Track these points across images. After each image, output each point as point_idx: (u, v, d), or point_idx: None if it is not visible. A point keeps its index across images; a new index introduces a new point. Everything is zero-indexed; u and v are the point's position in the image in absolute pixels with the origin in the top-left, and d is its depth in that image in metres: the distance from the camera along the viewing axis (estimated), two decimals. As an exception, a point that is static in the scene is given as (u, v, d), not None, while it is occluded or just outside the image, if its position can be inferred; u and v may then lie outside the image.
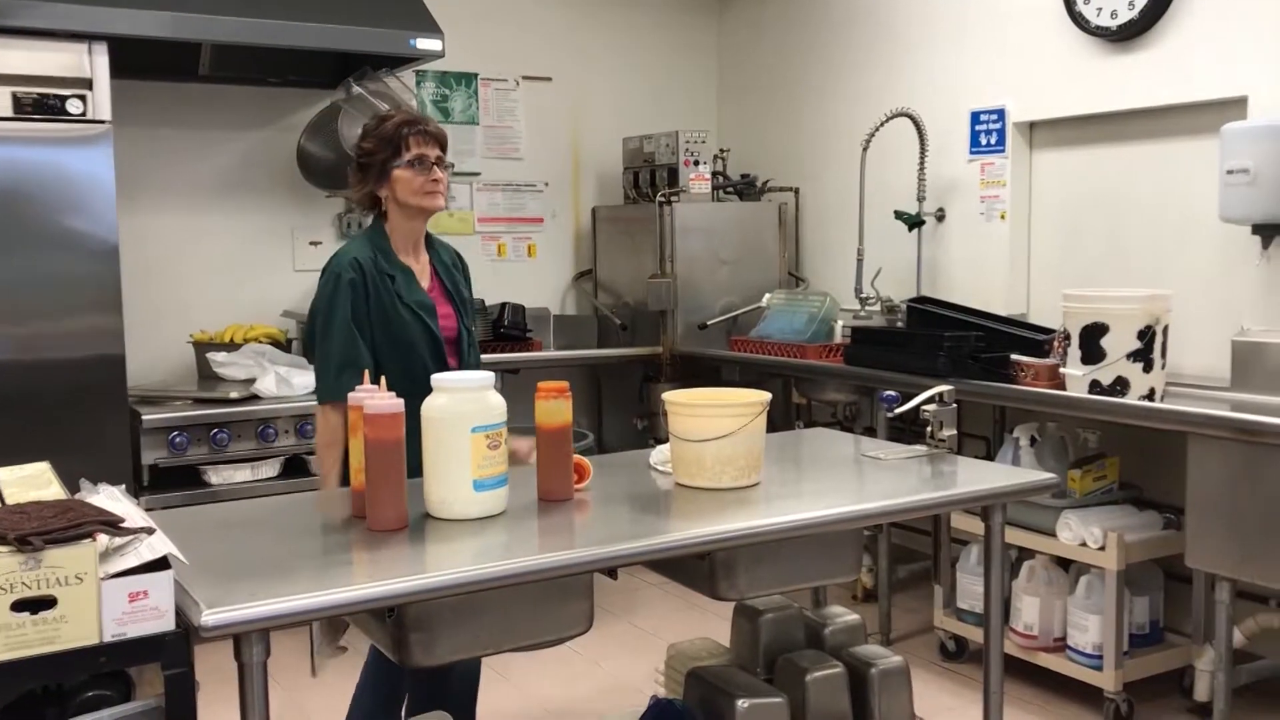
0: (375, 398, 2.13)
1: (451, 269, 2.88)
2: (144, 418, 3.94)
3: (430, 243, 2.85)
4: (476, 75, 5.39)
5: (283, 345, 4.59)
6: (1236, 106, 3.64)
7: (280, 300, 4.89)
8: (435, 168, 2.69)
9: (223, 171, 4.81)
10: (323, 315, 2.66)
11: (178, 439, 3.97)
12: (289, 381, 4.23)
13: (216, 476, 4.07)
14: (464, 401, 2.16)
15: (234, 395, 4.12)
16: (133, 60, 4.04)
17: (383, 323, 2.66)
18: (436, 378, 2.20)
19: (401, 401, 2.13)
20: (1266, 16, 3.56)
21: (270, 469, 4.16)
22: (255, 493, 3.98)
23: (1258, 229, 3.50)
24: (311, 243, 4.98)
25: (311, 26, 4.07)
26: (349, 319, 2.63)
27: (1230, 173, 3.43)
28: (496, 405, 2.19)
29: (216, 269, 4.80)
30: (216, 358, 4.33)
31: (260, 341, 4.50)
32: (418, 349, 2.68)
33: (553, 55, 5.60)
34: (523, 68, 5.52)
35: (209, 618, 1.64)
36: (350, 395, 2.23)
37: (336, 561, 2.03)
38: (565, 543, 2.10)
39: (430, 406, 2.16)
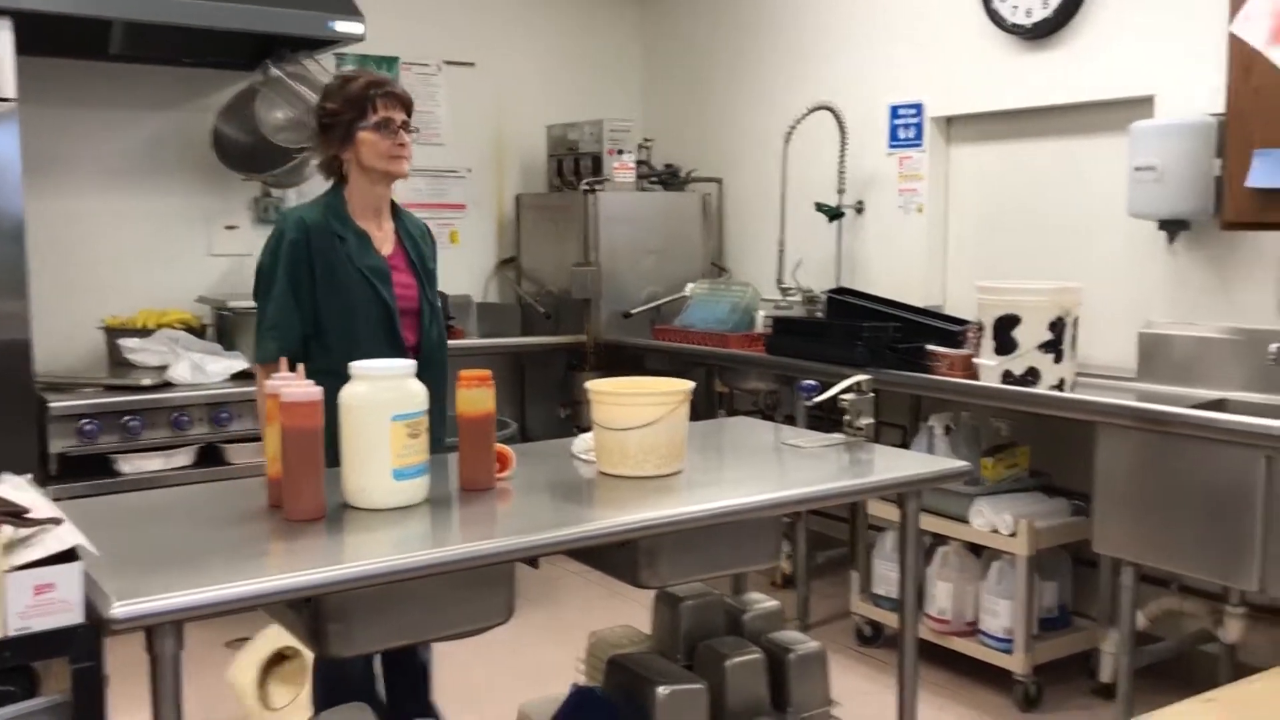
0: (292, 385, 2.10)
1: (419, 241, 2.83)
2: (51, 405, 3.83)
3: (397, 212, 2.81)
4: (398, 59, 5.32)
5: (197, 331, 4.50)
6: (1144, 105, 3.74)
7: (194, 286, 4.77)
8: (401, 131, 2.64)
9: (134, 153, 4.68)
10: (264, 275, 2.64)
11: (88, 427, 3.87)
12: (203, 369, 4.15)
13: (128, 465, 3.97)
14: (384, 389, 2.14)
15: (146, 382, 4.03)
16: (40, 37, 3.91)
17: (328, 284, 2.62)
18: (355, 365, 2.17)
19: (320, 389, 2.09)
20: (1172, 18, 3.66)
21: (184, 458, 4.07)
22: (168, 482, 3.90)
23: (1164, 224, 3.61)
24: (227, 227, 4.87)
25: (227, 6, 3.97)
26: (286, 280, 2.60)
27: (1138, 169, 3.54)
28: (418, 393, 2.17)
29: (128, 253, 4.67)
30: (128, 344, 4.22)
31: (174, 328, 4.40)
32: (363, 314, 2.64)
33: (476, 41, 5.55)
34: (445, 52, 5.46)
35: (119, 609, 1.60)
36: (268, 383, 2.19)
37: (253, 552, 1.99)
38: (486, 532, 2.09)
39: (349, 394, 2.14)
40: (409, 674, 2.86)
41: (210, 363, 4.18)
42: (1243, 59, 3.19)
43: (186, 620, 1.69)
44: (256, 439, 4.11)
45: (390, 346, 2.64)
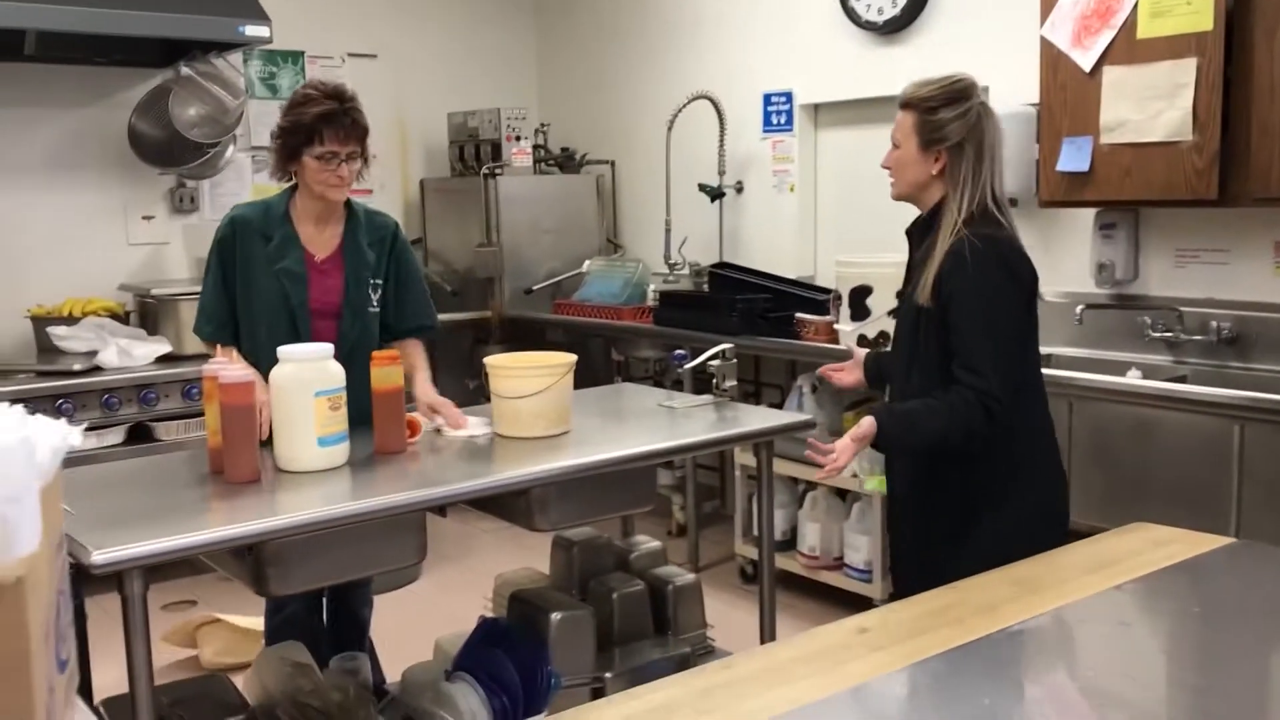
0: (228, 368, 2.46)
1: (371, 245, 2.96)
2: (-13, 392, 4.08)
3: (353, 215, 2.98)
4: (304, 53, 5.59)
5: (121, 318, 4.76)
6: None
7: (116, 274, 5.03)
8: (344, 164, 2.81)
9: (52, 148, 4.91)
10: (208, 261, 2.96)
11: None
12: (130, 353, 4.43)
13: (62, 445, 4.24)
14: (307, 369, 2.51)
15: (77, 367, 4.30)
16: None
17: (243, 280, 2.91)
18: (282, 349, 2.53)
19: (252, 371, 2.46)
20: (1000, 18, 4.13)
21: (115, 436, 4.36)
22: (100, 459, 4.17)
23: (993, 202, 4.08)
24: (144, 218, 5.14)
25: (140, 15, 4.22)
26: (216, 270, 2.92)
27: (970, 154, 4.00)
28: (336, 373, 2.54)
29: (50, 244, 4.90)
30: (57, 331, 4.48)
31: (99, 315, 4.66)
32: (267, 312, 2.87)
33: (378, 34, 5.84)
34: (348, 45, 5.75)
35: (98, 556, 1.97)
36: (205, 366, 2.54)
37: (201, 509, 2.36)
38: (399, 486, 2.47)
39: (278, 375, 2.50)
40: (350, 624, 3.23)
41: (136, 347, 4.46)
42: (1051, 58, 3.68)
43: (151, 564, 2.06)
44: (184, 416, 4.43)
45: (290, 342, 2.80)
